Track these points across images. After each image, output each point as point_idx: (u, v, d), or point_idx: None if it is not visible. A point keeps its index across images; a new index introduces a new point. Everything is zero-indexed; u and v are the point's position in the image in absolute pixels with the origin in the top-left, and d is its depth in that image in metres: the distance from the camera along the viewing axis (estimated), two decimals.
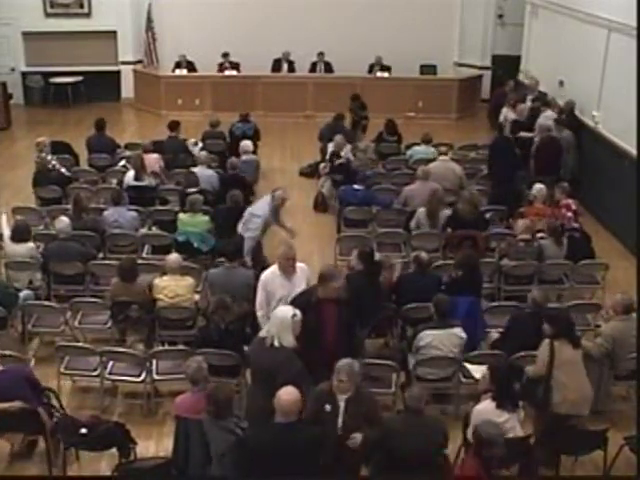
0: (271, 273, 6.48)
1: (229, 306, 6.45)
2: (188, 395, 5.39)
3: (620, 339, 6.46)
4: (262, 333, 5.86)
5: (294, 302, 5.93)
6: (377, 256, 7.54)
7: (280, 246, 6.56)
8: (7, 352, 6.34)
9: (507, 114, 12.25)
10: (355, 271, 6.94)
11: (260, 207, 8.30)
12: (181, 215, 8.72)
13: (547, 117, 11.60)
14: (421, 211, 8.90)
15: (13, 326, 7.48)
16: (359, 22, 16.31)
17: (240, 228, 8.16)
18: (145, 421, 6.56)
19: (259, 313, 6.51)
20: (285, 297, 6.31)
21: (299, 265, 6.54)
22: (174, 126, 11.43)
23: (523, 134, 11.51)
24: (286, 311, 5.60)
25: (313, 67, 16.41)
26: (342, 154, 11.04)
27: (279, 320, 5.53)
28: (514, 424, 5.44)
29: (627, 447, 5.83)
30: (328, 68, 16.36)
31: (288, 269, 6.38)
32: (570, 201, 9.10)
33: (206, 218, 8.68)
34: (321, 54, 16.18)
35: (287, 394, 4.84)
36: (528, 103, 12.46)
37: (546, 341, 5.97)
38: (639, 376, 6.21)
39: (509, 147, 10.75)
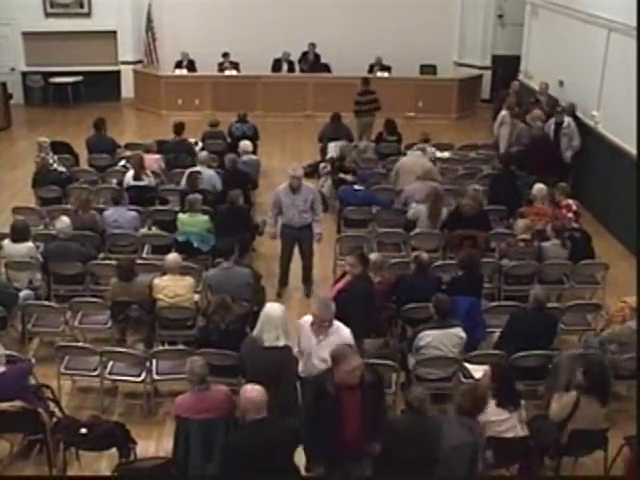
0: (306, 321, 5.79)
1: (229, 306, 6.44)
2: (189, 395, 5.38)
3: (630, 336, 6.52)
4: (256, 334, 5.79)
5: (307, 386, 5.34)
6: (375, 256, 7.53)
7: (318, 304, 5.69)
8: (7, 352, 6.32)
9: (505, 117, 12.07)
10: (357, 275, 6.89)
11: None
12: (181, 215, 8.72)
13: (549, 124, 11.48)
14: (421, 209, 8.88)
15: (13, 326, 7.49)
16: (359, 22, 16.33)
17: None
18: (145, 421, 6.56)
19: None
20: (307, 353, 5.72)
21: (339, 328, 5.72)
22: (180, 129, 11.33)
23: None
24: (277, 307, 5.79)
25: (304, 55, 16.49)
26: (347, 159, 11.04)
27: (279, 319, 5.65)
28: (514, 423, 5.44)
29: (627, 447, 5.83)
30: (318, 59, 16.46)
31: (321, 330, 5.66)
32: (570, 202, 9.10)
33: (205, 217, 8.68)
34: (312, 45, 16.31)
35: (253, 390, 4.86)
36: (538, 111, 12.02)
37: (573, 394, 5.64)
38: (639, 376, 6.20)
39: (511, 182, 10.09)
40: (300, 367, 5.74)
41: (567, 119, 11.35)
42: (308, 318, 5.78)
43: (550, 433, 5.66)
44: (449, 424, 5.20)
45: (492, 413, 5.40)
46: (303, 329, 5.76)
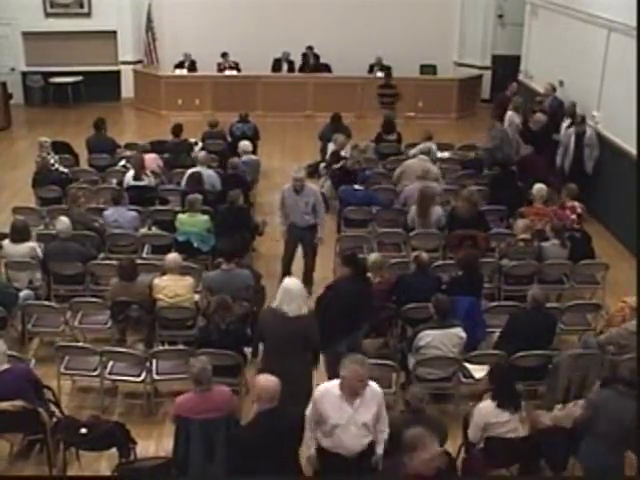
0: (327, 391, 5.00)
1: (230, 306, 6.44)
2: (191, 395, 5.37)
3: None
4: (275, 305, 5.93)
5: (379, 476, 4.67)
6: (375, 256, 7.53)
7: (349, 362, 4.86)
8: (7, 352, 6.32)
9: (512, 118, 11.96)
10: (342, 277, 6.92)
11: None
12: (180, 215, 8.72)
13: (569, 134, 11.13)
14: (413, 209, 8.89)
15: (13, 326, 7.49)
16: (359, 22, 16.36)
17: None
18: (145, 421, 6.57)
19: (307, 434, 5.08)
20: (341, 425, 4.92)
21: (371, 386, 5.04)
22: (178, 131, 11.32)
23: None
24: (294, 280, 6.08)
25: (304, 57, 16.57)
26: (343, 153, 11.04)
27: (298, 290, 5.91)
28: (516, 425, 5.42)
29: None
30: (317, 59, 16.59)
31: (356, 392, 4.88)
32: (576, 204, 9.06)
33: (205, 217, 8.67)
34: (310, 48, 16.43)
35: (268, 380, 4.92)
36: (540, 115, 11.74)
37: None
38: (639, 376, 6.20)
39: (512, 182, 10.11)
40: (330, 442, 5.00)
41: (589, 129, 10.99)
42: (329, 386, 5.04)
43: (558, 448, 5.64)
44: (612, 398, 5.30)
45: (492, 415, 5.39)
46: (327, 400, 4.96)
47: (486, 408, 5.45)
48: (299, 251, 8.72)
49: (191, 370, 5.31)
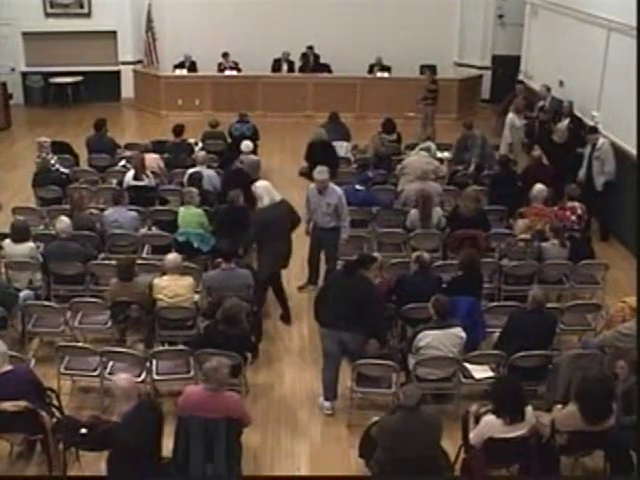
0: None
1: (237, 320, 6.41)
2: (199, 389, 5.34)
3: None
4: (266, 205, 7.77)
5: None
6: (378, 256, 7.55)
7: None
8: (8, 352, 6.31)
9: (513, 120, 11.82)
10: (337, 270, 7.14)
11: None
12: (180, 209, 8.78)
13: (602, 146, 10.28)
14: (413, 212, 8.91)
15: (13, 326, 7.48)
16: (359, 22, 16.35)
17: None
18: None
19: None
20: None
21: None
22: (180, 131, 11.29)
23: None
24: (264, 182, 8.11)
25: (304, 57, 16.55)
26: (343, 154, 11.07)
27: (268, 188, 7.91)
28: (522, 432, 5.38)
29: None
30: (317, 60, 16.59)
31: None
32: (577, 205, 9.04)
33: (199, 211, 8.71)
34: (310, 47, 16.41)
35: (120, 380, 5.20)
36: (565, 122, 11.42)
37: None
38: (639, 376, 6.20)
39: (512, 183, 10.03)
40: None
41: (602, 140, 10.28)
42: None
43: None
44: None
45: (500, 431, 5.32)
46: None
47: (494, 423, 5.36)
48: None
49: (210, 368, 5.31)
